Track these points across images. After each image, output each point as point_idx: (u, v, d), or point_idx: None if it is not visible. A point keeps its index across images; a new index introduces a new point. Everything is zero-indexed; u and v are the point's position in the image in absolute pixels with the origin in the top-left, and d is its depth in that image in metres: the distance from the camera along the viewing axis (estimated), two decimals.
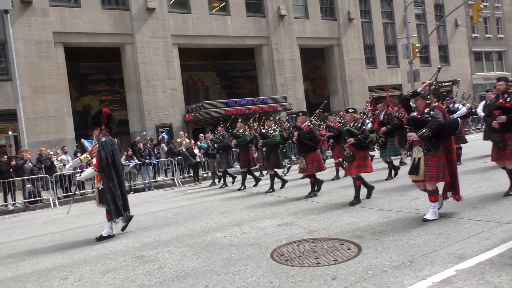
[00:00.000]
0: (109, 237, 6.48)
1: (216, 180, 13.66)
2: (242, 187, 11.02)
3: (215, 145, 12.41)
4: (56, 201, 13.06)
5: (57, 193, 13.41)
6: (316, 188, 8.47)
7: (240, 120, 11.58)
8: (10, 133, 19.59)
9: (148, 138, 16.46)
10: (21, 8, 17.98)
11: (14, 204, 12.93)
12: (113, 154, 6.57)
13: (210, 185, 13.39)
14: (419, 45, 24.57)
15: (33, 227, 8.92)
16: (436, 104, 5.52)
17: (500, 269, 3.49)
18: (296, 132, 8.25)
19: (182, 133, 16.71)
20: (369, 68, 28.95)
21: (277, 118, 11.64)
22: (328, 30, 26.93)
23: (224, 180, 12.54)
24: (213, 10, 23.15)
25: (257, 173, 12.77)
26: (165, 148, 15.92)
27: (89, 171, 6.75)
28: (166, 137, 17.77)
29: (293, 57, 25.17)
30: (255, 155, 12.33)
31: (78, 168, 12.46)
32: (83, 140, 15.58)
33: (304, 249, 4.72)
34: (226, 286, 3.86)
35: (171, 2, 21.99)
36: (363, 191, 7.27)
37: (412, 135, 5.32)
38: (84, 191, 14.02)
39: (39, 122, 18.21)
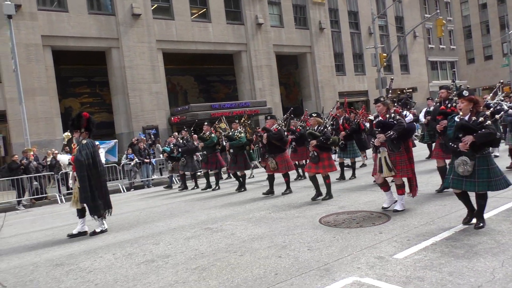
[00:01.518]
0: (102, 231, 6.81)
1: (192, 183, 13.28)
2: (217, 187, 11.38)
3: (179, 149, 12.45)
4: (62, 197, 13.58)
5: (60, 190, 13.91)
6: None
7: (206, 123, 11.86)
8: None
9: (144, 139, 17.19)
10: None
11: (20, 201, 13.32)
12: (93, 156, 6.78)
13: (164, 187, 13.81)
14: (385, 54, 26.68)
15: (69, 216, 9.57)
16: (394, 109, 6.26)
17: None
18: (265, 134, 8.71)
19: (175, 133, 17.56)
20: (339, 75, 30.91)
21: (242, 120, 11.84)
22: (301, 38, 28.60)
23: (196, 182, 12.62)
24: (194, 16, 24.08)
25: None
26: (160, 148, 16.71)
27: (64, 157, 7.33)
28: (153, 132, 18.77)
29: (270, 63, 26.58)
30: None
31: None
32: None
33: (344, 218, 5.98)
34: (300, 241, 5.04)
35: (153, 8, 22.66)
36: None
37: (381, 136, 5.87)
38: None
39: (28, 123, 18.35)
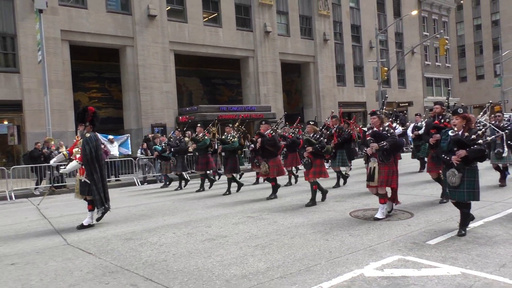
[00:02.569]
0: (90, 226, 6.88)
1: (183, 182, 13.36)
2: (201, 189, 11.39)
3: (172, 148, 12.49)
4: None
5: None
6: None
7: (199, 125, 11.98)
8: (5, 123, 20.09)
9: (159, 135, 17.83)
10: (31, 5, 18.68)
11: (36, 188, 13.88)
12: (96, 149, 6.95)
13: (161, 187, 13.59)
14: (386, 68, 27.77)
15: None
16: (388, 123, 6.71)
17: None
18: (259, 139, 8.90)
19: (189, 132, 18.18)
20: (339, 85, 31.93)
21: (236, 124, 11.79)
22: (305, 48, 29.56)
23: (180, 183, 12.69)
24: (205, 19, 24.84)
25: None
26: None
27: (73, 164, 7.09)
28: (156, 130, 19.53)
29: (275, 70, 27.46)
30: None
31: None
32: (96, 134, 16.74)
33: (371, 213, 6.79)
34: (339, 229, 5.83)
35: (167, 10, 23.38)
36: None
37: (374, 146, 6.19)
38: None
39: (43, 114, 18.84)
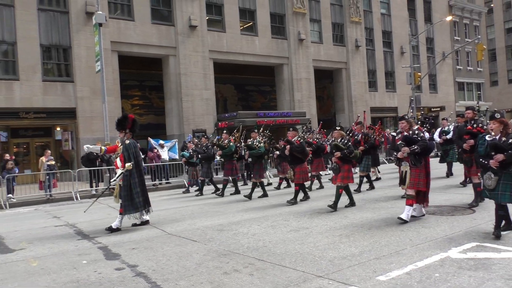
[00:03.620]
0: (118, 229, 6.96)
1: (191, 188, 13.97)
2: (221, 194, 11.42)
3: (199, 155, 12.67)
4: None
5: None
6: (304, 196, 9.39)
7: (225, 131, 12.08)
8: (58, 129, 21.38)
9: (196, 141, 18.62)
10: (85, 19, 20.05)
11: (96, 190, 14.88)
12: (136, 155, 7.12)
13: (183, 192, 13.61)
14: (420, 73, 28.03)
15: (172, 201, 11.03)
16: (417, 127, 6.85)
17: None
18: (288, 146, 8.94)
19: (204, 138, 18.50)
20: (371, 91, 32.30)
21: (261, 130, 11.79)
22: (338, 54, 30.12)
23: (201, 189, 12.63)
24: (242, 28, 25.73)
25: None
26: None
27: (119, 173, 7.15)
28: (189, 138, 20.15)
29: (309, 76, 28.11)
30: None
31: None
32: (149, 139, 17.75)
33: (433, 210, 7.33)
34: (412, 221, 6.41)
35: (207, 19, 24.36)
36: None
37: (405, 149, 6.31)
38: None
39: (95, 120, 20.07)
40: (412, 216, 6.53)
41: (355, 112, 30.25)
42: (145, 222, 7.42)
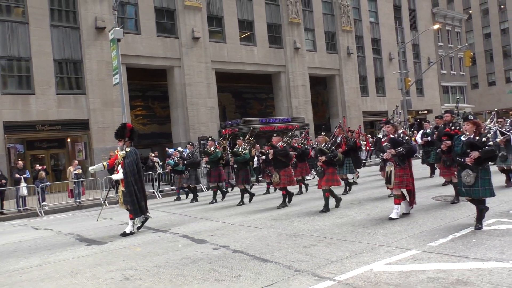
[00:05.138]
0: (131, 233, 7.33)
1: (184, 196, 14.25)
2: (214, 201, 11.49)
3: (185, 162, 12.85)
4: (159, 193, 16.01)
5: (154, 187, 16.34)
6: (288, 199, 9.54)
7: (210, 138, 12.43)
8: (68, 140, 22.08)
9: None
10: (95, 34, 20.93)
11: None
12: (136, 162, 7.37)
13: (175, 200, 13.82)
14: (410, 79, 29.65)
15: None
16: (402, 131, 7.26)
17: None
18: (272, 150, 9.34)
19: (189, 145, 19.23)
20: (363, 96, 33.81)
21: (247, 137, 11.92)
22: (331, 62, 31.56)
23: (195, 195, 12.83)
24: (241, 39, 26.88)
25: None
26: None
27: (118, 176, 7.39)
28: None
29: (304, 83, 29.42)
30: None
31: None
32: (167, 149, 18.64)
33: (449, 200, 8.51)
34: (435, 208, 7.57)
35: (208, 29, 25.45)
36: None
37: (391, 151, 6.72)
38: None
39: (107, 131, 20.84)
40: (391, 219, 6.83)
41: (348, 116, 31.66)
42: (132, 233, 7.49)
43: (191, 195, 13.27)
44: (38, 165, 15.23)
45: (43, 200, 13.81)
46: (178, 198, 14.03)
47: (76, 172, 14.74)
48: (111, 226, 8.95)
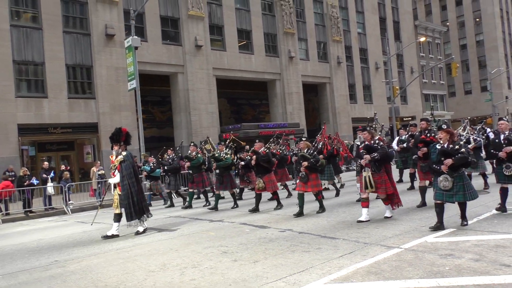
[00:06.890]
0: (143, 232, 7.61)
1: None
2: (207, 204, 11.54)
3: (165, 167, 12.83)
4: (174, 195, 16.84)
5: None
6: (277, 202, 9.77)
7: (192, 143, 12.44)
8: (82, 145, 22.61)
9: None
10: (105, 40, 21.71)
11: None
12: (132, 166, 7.50)
13: (167, 206, 12.98)
14: (398, 87, 31.46)
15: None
16: (378, 137, 7.58)
17: None
18: (254, 156, 9.43)
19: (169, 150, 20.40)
20: (352, 103, 35.52)
21: (228, 142, 11.99)
22: (322, 70, 33.11)
23: (171, 200, 12.99)
24: (240, 47, 28.06)
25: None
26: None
27: (115, 179, 7.57)
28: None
29: (298, 90, 30.82)
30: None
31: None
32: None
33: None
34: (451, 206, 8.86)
35: (210, 38, 26.54)
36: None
37: (366, 157, 6.93)
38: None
39: None
40: (386, 217, 7.39)
41: (339, 122, 33.26)
42: (144, 231, 7.71)
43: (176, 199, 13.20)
44: (63, 166, 15.90)
45: (69, 199, 14.52)
46: (172, 204, 12.95)
47: (99, 172, 15.50)
48: (160, 219, 9.88)
